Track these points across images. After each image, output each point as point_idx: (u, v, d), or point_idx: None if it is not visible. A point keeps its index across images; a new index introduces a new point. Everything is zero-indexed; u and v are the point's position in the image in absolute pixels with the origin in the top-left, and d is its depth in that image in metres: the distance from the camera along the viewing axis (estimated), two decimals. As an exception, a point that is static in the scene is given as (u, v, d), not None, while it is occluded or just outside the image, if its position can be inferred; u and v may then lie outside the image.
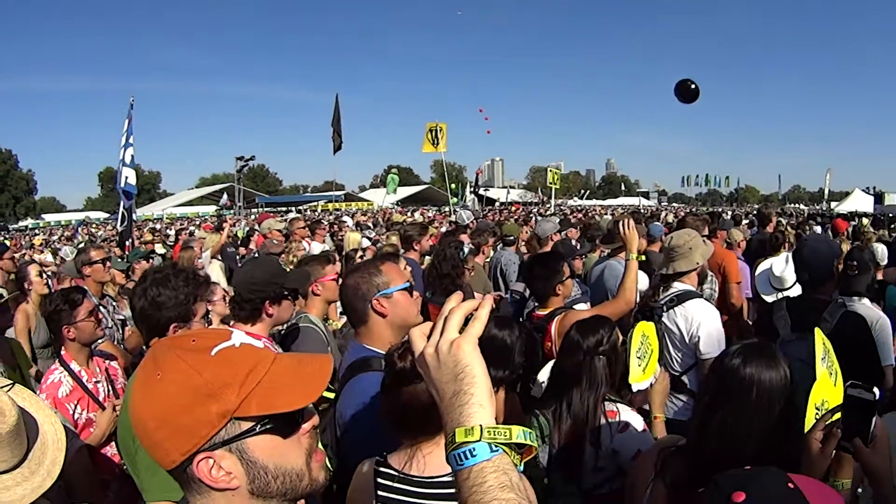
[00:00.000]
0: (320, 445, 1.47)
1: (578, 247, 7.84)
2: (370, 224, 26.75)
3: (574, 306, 5.15)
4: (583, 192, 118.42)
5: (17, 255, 11.12)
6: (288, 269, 5.45)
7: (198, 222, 42.26)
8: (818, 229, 16.31)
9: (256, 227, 16.04)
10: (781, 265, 6.45)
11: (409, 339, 1.43)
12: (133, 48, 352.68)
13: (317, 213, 50.42)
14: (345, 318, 5.43)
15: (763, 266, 7.04)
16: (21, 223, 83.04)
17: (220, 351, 1.32)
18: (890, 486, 2.01)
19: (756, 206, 45.56)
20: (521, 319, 5.24)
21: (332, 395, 3.05)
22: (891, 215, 23.71)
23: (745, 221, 18.03)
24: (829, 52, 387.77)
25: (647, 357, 3.75)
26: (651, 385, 3.72)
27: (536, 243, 8.96)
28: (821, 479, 1.96)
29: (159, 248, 15.72)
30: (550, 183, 37.41)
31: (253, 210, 54.25)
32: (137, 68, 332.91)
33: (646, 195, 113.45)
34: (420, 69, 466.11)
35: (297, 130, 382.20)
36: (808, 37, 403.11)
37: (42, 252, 22.42)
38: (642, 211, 26.67)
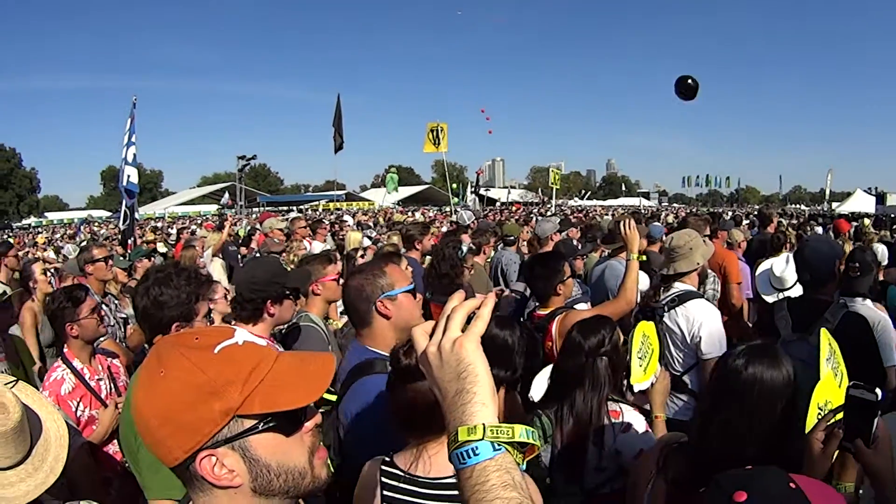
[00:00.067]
0: (322, 443, 1.47)
1: (579, 247, 7.85)
2: (371, 224, 26.75)
3: (575, 306, 5.15)
4: (583, 192, 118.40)
5: (20, 254, 11.11)
6: (289, 269, 5.45)
7: (199, 221, 42.21)
8: (819, 230, 16.31)
9: (258, 226, 16.04)
10: (782, 265, 6.44)
11: (412, 337, 1.43)
12: (135, 47, 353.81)
13: (318, 213, 50.44)
14: (345, 318, 5.44)
15: (763, 266, 7.04)
16: (24, 221, 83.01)
17: (224, 349, 1.33)
18: (892, 487, 2.00)
19: (757, 207, 45.51)
20: (521, 319, 5.24)
21: (333, 398, 3.03)
22: (892, 216, 23.65)
23: (745, 222, 18.03)
24: (830, 52, 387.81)
25: (648, 357, 3.76)
26: (652, 385, 3.73)
27: (537, 243, 8.96)
28: (822, 480, 1.96)
29: (161, 247, 15.75)
30: (552, 183, 37.40)
31: (254, 209, 54.23)
32: (139, 67, 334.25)
33: (646, 196, 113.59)
34: (421, 69, 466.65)
35: (298, 130, 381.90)
36: (808, 36, 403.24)
37: (45, 250, 22.46)
38: (643, 211, 26.64)
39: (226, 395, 1.26)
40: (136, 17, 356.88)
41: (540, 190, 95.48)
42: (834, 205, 50.87)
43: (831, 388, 2.51)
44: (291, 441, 1.35)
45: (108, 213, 75.73)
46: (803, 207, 75.97)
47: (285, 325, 4.45)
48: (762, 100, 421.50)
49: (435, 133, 26.11)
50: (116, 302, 6.95)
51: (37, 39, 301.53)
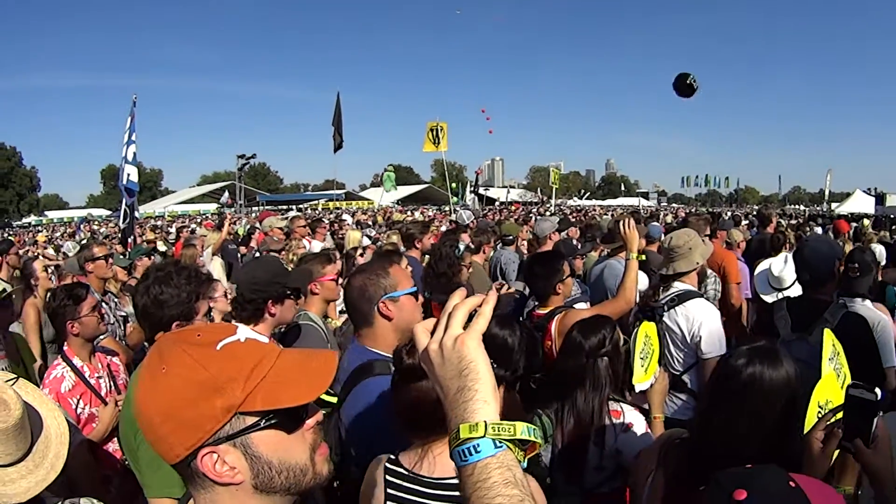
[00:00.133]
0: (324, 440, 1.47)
1: (579, 246, 7.85)
2: (370, 223, 26.73)
3: (574, 305, 5.15)
4: (582, 192, 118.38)
5: (20, 252, 11.11)
6: (288, 267, 5.45)
7: (199, 220, 42.20)
8: (818, 230, 16.30)
9: (257, 225, 16.03)
10: (780, 265, 6.45)
11: (413, 335, 1.43)
12: (135, 46, 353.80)
13: (317, 212, 50.42)
14: (344, 317, 5.43)
15: (762, 266, 7.04)
16: (24, 220, 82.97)
17: (226, 346, 1.33)
18: (891, 487, 2.01)
19: (756, 207, 45.48)
20: (520, 318, 5.24)
21: (333, 399, 3.01)
22: (892, 216, 23.65)
23: (744, 222, 18.02)
24: (830, 52, 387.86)
25: (649, 357, 3.77)
26: (651, 385, 3.74)
27: (535, 243, 8.96)
28: (822, 480, 1.96)
29: (161, 246, 15.74)
30: (552, 183, 37.40)
31: (254, 208, 54.23)
32: (139, 66, 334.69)
33: (645, 195, 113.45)
34: (420, 68, 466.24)
35: (297, 129, 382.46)
36: (808, 36, 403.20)
37: (45, 248, 22.44)
38: (642, 212, 26.64)
39: (228, 392, 1.26)
40: (136, 16, 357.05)
41: (539, 189, 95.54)
42: (833, 205, 50.78)
43: (832, 387, 2.51)
44: (293, 438, 1.35)
45: (108, 212, 75.60)
46: (802, 208, 75.92)
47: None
48: (761, 99, 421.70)
49: (435, 132, 26.06)
50: (116, 300, 6.95)
51: (37, 38, 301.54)
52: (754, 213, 26.82)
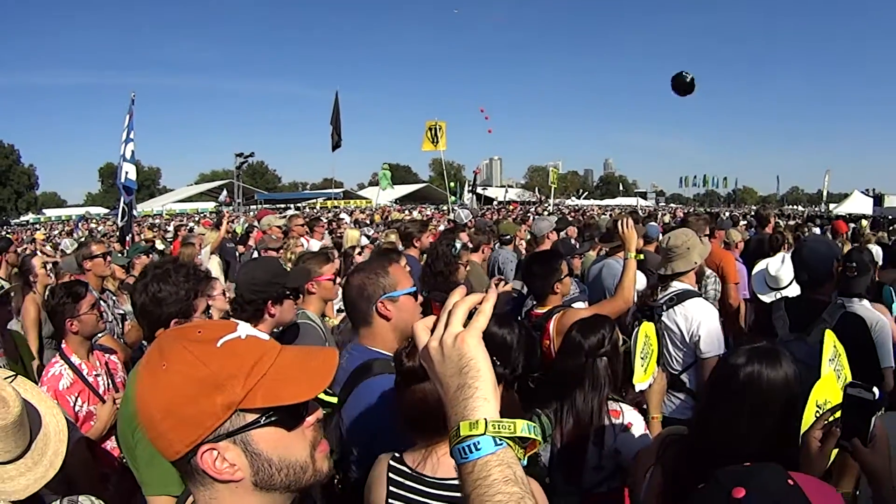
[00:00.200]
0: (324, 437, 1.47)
1: (577, 246, 7.84)
2: (367, 221, 26.71)
3: (572, 305, 5.15)
4: (581, 191, 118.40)
5: (18, 250, 11.11)
6: (286, 266, 5.44)
7: (197, 218, 42.14)
8: (817, 231, 16.30)
9: (255, 223, 16.03)
10: (777, 264, 6.44)
11: (413, 333, 1.43)
12: (133, 44, 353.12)
13: (315, 211, 50.37)
14: (341, 316, 5.43)
15: (759, 266, 7.04)
16: (22, 218, 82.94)
17: (226, 342, 1.32)
18: (889, 486, 2.01)
19: (754, 208, 45.51)
20: (519, 317, 5.24)
21: (333, 400, 2.99)
22: (890, 217, 23.68)
23: (742, 223, 18.04)
24: (829, 52, 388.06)
25: (648, 357, 3.77)
26: (650, 385, 3.75)
27: (533, 242, 8.96)
28: (820, 479, 1.97)
29: (158, 244, 15.72)
30: (551, 182, 37.37)
31: (252, 207, 54.13)
32: (138, 64, 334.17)
33: (643, 195, 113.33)
34: (418, 67, 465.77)
35: (296, 128, 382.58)
36: (807, 36, 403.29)
37: (43, 246, 22.43)
38: (640, 211, 26.69)
39: (228, 389, 1.26)
40: (135, 14, 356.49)
41: (537, 189, 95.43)
42: (831, 206, 50.78)
43: (831, 388, 2.51)
44: (293, 435, 1.35)
45: (106, 210, 75.58)
46: (801, 208, 75.97)
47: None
48: (760, 100, 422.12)
49: (434, 131, 26.06)
50: (114, 298, 6.94)
51: (36, 36, 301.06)
52: (752, 213, 26.83)
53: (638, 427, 3.35)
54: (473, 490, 1.19)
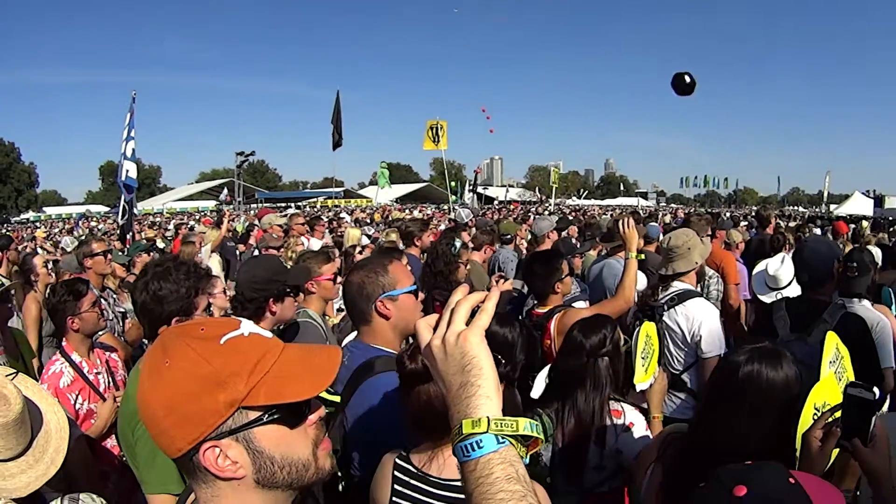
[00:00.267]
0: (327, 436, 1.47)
1: (578, 245, 7.84)
2: (368, 220, 26.70)
3: (573, 304, 5.15)
4: (581, 191, 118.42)
5: (19, 248, 11.11)
6: (287, 265, 5.44)
7: (197, 217, 42.15)
8: (818, 232, 16.30)
9: (256, 222, 16.02)
10: (776, 264, 6.42)
11: (416, 331, 1.43)
12: (134, 42, 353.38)
13: (315, 210, 50.37)
14: (341, 314, 5.42)
15: (759, 267, 7.04)
16: (23, 216, 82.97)
17: (229, 340, 1.32)
18: (889, 486, 2.01)
19: (754, 208, 45.53)
20: (520, 317, 5.24)
21: (336, 399, 2.96)
22: (890, 218, 23.70)
23: (743, 223, 18.03)
24: (830, 53, 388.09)
25: (649, 357, 3.77)
26: (651, 385, 3.74)
27: (534, 241, 8.96)
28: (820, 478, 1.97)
29: (159, 243, 15.72)
30: (553, 182, 37.41)
31: (252, 205, 54.15)
32: (139, 62, 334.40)
33: (644, 196, 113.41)
34: (419, 66, 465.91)
35: (296, 127, 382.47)
36: (808, 36, 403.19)
37: (44, 244, 22.45)
38: (640, 212, 26.68)
39: (231, 387, 1.26)
40: (135, 13, 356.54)
41: (537, 189, 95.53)
42: (832, 207, 50.79)
43: (831, 389, 2.50)
44: (296, 433, 1.35)
45: (107, 209, 75.60)
46: (801, 209, 75.94)
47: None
48: (761, 100, 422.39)
49: (434, 130, 26.03)
50: (115, 296, 6.94)
51: (36, 34, 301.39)
52: (753, 214, 26.82)
53: (639, 427, 3.35)
54: (476, 488, 1.19)
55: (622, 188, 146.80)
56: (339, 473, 2.89)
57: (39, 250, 16.04)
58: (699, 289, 5.58)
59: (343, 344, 3.62)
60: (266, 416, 1.29)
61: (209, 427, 1.26)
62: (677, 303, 4.85)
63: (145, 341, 5.36)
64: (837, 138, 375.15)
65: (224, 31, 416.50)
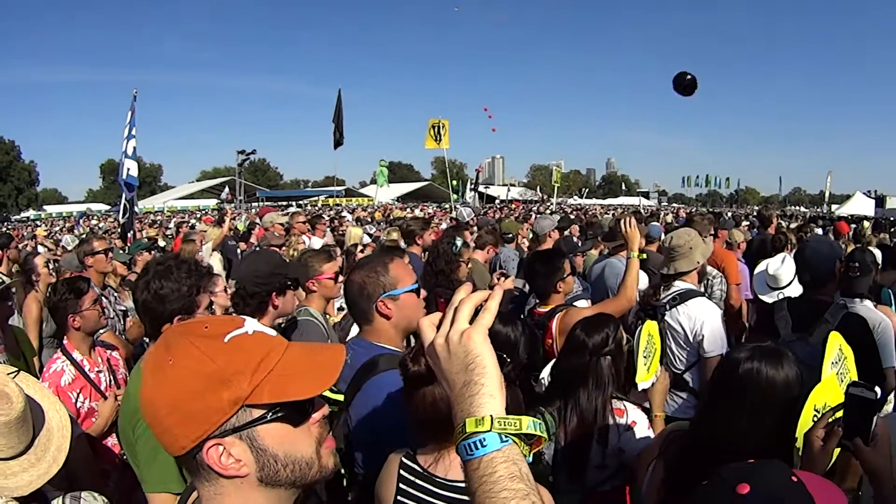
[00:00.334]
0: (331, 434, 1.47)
1: (579, 244, 7.84)
2: (369, 219, 26.68)
3: (574, 303, 5.15)
4: (583, 190, 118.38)
5: (20, 246, 11.11)
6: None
7: (199, 215, 42.14)
8: (819, 232, 16.31)
9: (257, 220, 16.02)
10: (776, 263, 6.41)
11: (419, 329, 1.43)
12: (135, 40, 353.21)
13: (317, 209, 50.37)
14: (342, 313, 5.42)
15: (760, 267, 7.04)
16: (23, 214, 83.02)
17: (233, 338, 1.32)
18: (890, 485, 2.02)
19: (756, 208, 45.60)
20: (521, 316, 5.24)
21: (340, 397, 2.95)
22: (892, 219, 23.69)
23: (745, 223, 18.03)
24: (831, 53, 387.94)
25: (651, 356, 3.78)
26: (653, 384, 3.75)
27: (535, 241, 8.96)
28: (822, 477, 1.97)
29: (160, 242, 15.73)
30: (555, 181, 37.41)
31: (253, 204, 54.17)
32: (140, 60, 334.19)
33: (646, 195, 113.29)
34: (420, 65, 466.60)
35: (298, 125, 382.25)
36: (810, 36, 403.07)
37: (44, 241, 22.45)
38: (642, 211, 26.70)
39: (235, 385, 1.25)
40: (136, 11, 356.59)
41: (539, 188, 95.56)
42: (833, 207, 50.82)
43: (832, 390, 2.50)
44: (299, 431, 1.34)
45: (108, 207, 75.59)
46: (803, 209, 75.96)
47: (284, 320, 4.45)
48: (762, 100, 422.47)
49: (436, 129, 26.07)
50: (116, 294, 6.94)
51: (36, 32, 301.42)
52: (754, 213, 26.81)
53: (641, 426, 3.35)
54: (479, 486, 1.19)
55: (624, 187, 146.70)
56: (343, 471, 2.89)
57: (40, 248, 16.02)
58: (701, 288, 5.58)
59: (346, 340, 3.61)
60: (270, 414, 1.29)
61: (213, 425, 1.26)
62: (679, 302, 4.86)
63: (146, 339, 5.36)
64: (839, 138, 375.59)
65: (225, 29, 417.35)
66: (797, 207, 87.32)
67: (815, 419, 2.31)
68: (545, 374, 3.69)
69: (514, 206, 49.12)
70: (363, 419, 2.83)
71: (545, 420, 3.36)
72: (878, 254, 8.05)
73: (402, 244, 8.17)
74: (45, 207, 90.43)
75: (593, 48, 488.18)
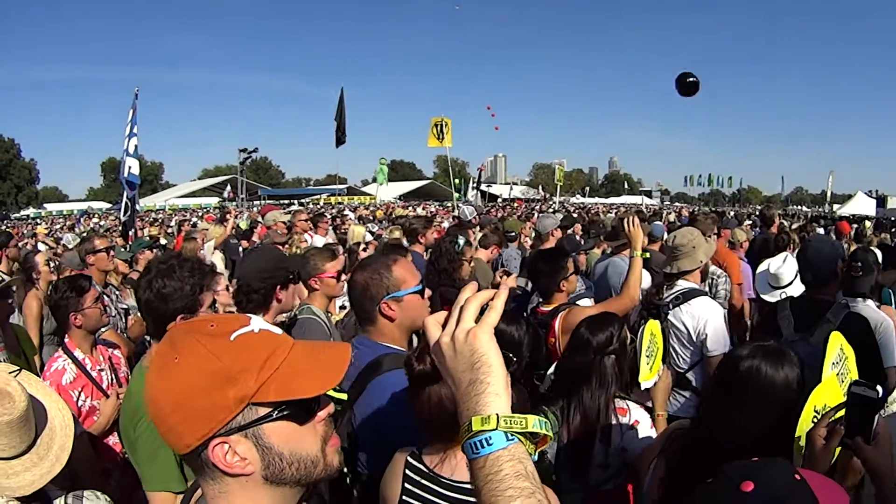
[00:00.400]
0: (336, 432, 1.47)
1: (582, 242, 7.84)
2: (371, 218, 26.70)
3: (577, 302, 5.16)
4: (586, 189, 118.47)
5: (19, 245, 11.10)
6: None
7: (200, 214, 42.16)
8: (821, 231, 16.32)
9: (259, 219, 16.03)
10: (778, 263, 6.42)
11: (424, 328, 1.43)
12: (137, 38, 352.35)
13: (319, 207, 50.43)
14: (344, 312, 5.42)
15: (762, 266, 7.05)
16: (23, 212, 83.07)
17: (239, 336, 1.32)
18: (891, 484, 2.02)
19: (758, 207, 45.67)
20: (524, 314, 5.24)
21: (343, 396, 2.94)
22: (892, 219, 23.70)
23: (747, 222, 18.05)
24: (833, 53, 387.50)
25: (654, 356, 3.78)
26: (655, 383, 3.75)
27: (538, 239, 8.96)
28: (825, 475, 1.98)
29: (161, 240, 15.73)
30: (557, 180, 37.40)
31: (255, 202, 54.19)
32: (141, 58, 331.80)
33: (648, 194, 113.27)
34: (423, 64, 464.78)
35: (299, 123, 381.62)
36: (812, 36, 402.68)
37: (45, 239, 22.46)
38: (645, 210, 26.70)
39: (241, 383, 1.26)
40: (138, 8, 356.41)
41: (541, 187, 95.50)
42: (835, 207, 50.82)
43: (833, 391, 2.50)
44: (305, 430, 1.35)
45: (108, 205, 75.72)
46: (805, 208, 75.97)
47: (287, 318, 4.45)
48: (765, 100, 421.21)
49: (439, 127, 26.12)
50: (117, 293, 6.96)
51: (37, 29, 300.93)
52: (757, 213, 26.82)
53: (644, 425, 3.36)
54: (485, 485, 1.19)
55: (626, 186, 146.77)
56: (346, 470, 2.89)
57: (41, 246, 16.03)
58: (704, 287, 5.59)
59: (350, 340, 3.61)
60: (276, 412, 1.29)
61: (218, 423, 1.26)
62: (682, 301, 4.86)
63: (147, 338, 5.37)
64: (840, 138, 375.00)
65: (227, 27, 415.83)
66: (799, 207, 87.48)
67: (815, 420, 2.31)
68: (549, 373, 3.70)
69: (516, 204, 49.21)
70: (368, 418, 2.83)
71: (548, 418, 3.36)
72: (878, 254, 8.08)
73: (405, 242, 8.16)
74: (45, 205, 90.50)
75: (595, 47, 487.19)
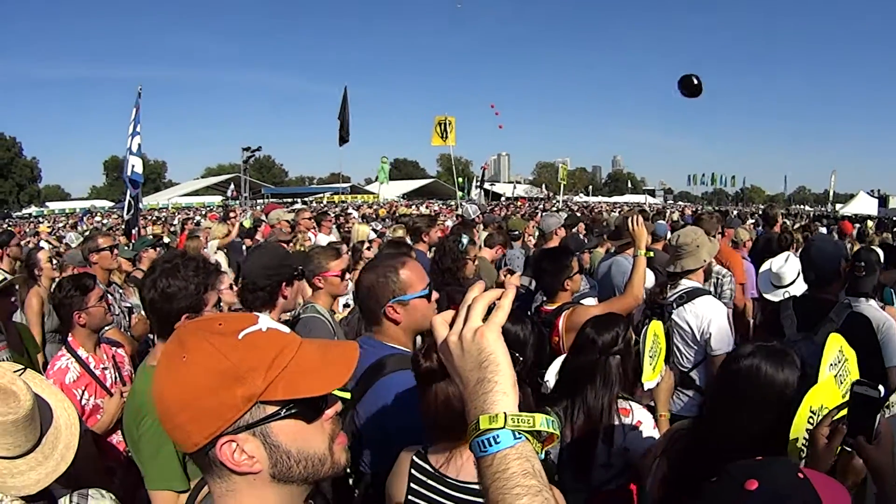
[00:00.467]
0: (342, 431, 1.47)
1: (586, 241, 7.84)
2: (374, 216, 26.71)
3: (581, 301, 5.16)
4: (589, 187, 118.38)
5: (21, 243, 11.10)
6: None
7: (203, 212, 42.14)
8: (823, 231, 16.31)
9: (263, 217, 16.03)
10: (780, 262, 6.43)
11: (432, 327, 1.44)
12: (140, 36, 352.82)
13: (322, 206, 50.45)
14: (347, 310, 5.42)
15: (765, 266, 7.05)
16: (25, 211, 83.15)
17: (247, 335, 1.32)
18: (892, 482, 2.03)
19: (761, 207, 45.56)
20: (528, 313, 5.24)
21: (347, 395, 2.94)
22: (894, 218, 23.68)
23: (750, 221, 18.04)
24: (836, 53, 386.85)
25: (657, 356, 3.78)
26: (658, 383, 3.75)
27: (542, 238, 8.96)
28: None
29: (165, 238, 15.73)
30: (561, 179, 37.39)
31: (259, 201, 54.20)
32: (144, 56, 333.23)
33: (652, 193, 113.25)
34: (426, 62, 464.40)
35: (303, 122, 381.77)
36: (815, 36, 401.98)
37: (48, 237, 22.49)
38: (648, 209, 26.70)
39: (249, 381, 1.26)
40: (140, 5, 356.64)
41: (545, 185, 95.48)
42: (837, 206, 50.80)
43: (830, 393, 2.50)
44: (312, 428, 1.35)
45: (111, 204, 75.75)
46: (807, 208, 75.94)
47: (291, 316, 4.46)
48: (767, 99, 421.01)
49: (443, 126, 26.15)
50: (121, 291, 6.96)
51: (39, 27, 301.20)
52: (760, 212, 26.81)
53: (647, 425, 3.35)
54: (492, 483, 1.20)
55: (630, 185, 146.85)
56: (349, 470, 2.89)
57: (43, 243, 16.04)
58: (708, 286, 5.59)
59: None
60: (283, 410, 1.30)
61: (226, 422, 1.27)
62: (686, 301, 4.87)
63: (151, 337, 5.37)
64: (842, 138, 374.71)
65: (230, 25, 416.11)
66: (802, 206, 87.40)
67: (811, 420, 2.31)
68: (551, 373, 3.69)
69: (520, 203, 49.17)
70: (372, 419, 2.83)
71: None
72: (880, 253, 8.09)
73: (409, 241, 8.15)
74: (47, 204, 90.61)
75: (598, 46, 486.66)
